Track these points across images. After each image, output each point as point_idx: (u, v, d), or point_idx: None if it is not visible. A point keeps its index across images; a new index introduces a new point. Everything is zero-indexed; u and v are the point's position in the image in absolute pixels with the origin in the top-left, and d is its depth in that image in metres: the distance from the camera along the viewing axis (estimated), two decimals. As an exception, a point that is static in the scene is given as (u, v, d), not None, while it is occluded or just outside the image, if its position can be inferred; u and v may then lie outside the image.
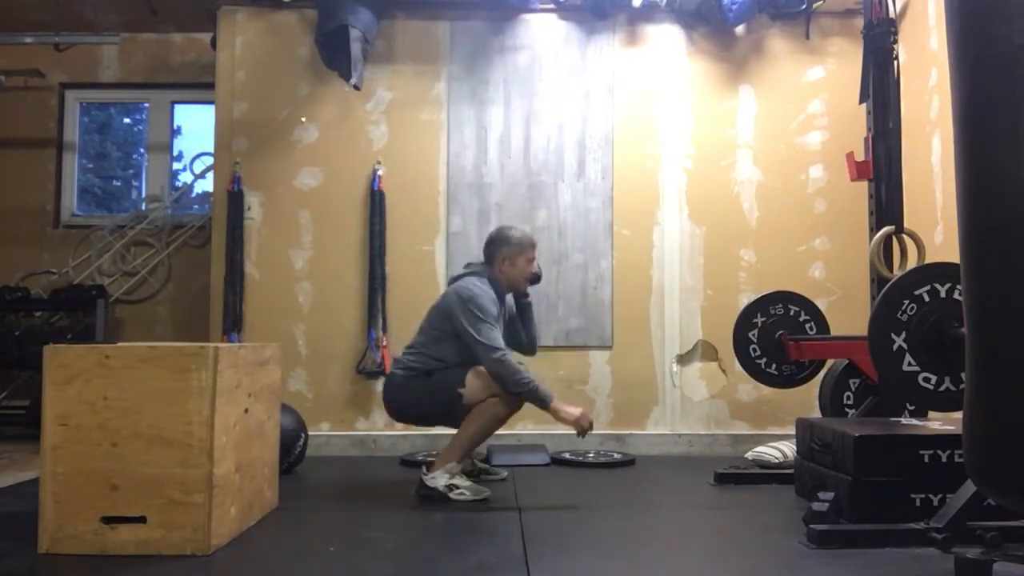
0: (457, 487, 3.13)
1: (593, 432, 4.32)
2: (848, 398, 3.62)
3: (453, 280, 3.46)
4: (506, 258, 3.43)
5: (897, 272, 3.36)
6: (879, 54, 3.57)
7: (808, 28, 4.58)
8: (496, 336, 3.21)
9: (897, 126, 3.56)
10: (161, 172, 5.62)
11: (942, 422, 3.04)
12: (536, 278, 3.52)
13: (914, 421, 3.12)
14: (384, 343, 4.32)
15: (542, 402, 3.14)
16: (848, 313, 4.25)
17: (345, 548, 2.48)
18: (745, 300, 4.12)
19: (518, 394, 3.15)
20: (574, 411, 3.17)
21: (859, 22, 4.00)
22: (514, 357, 3.21)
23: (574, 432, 3.17)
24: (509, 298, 3.50)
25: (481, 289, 3.30)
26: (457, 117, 4.52)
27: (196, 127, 5.77)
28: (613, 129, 4.54)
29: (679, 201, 4.53)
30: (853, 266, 4.32)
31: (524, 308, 3.57)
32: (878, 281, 3.47)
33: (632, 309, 4.47)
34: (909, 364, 2.71)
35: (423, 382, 3.25)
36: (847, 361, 3.61)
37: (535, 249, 3.50)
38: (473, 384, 3.17)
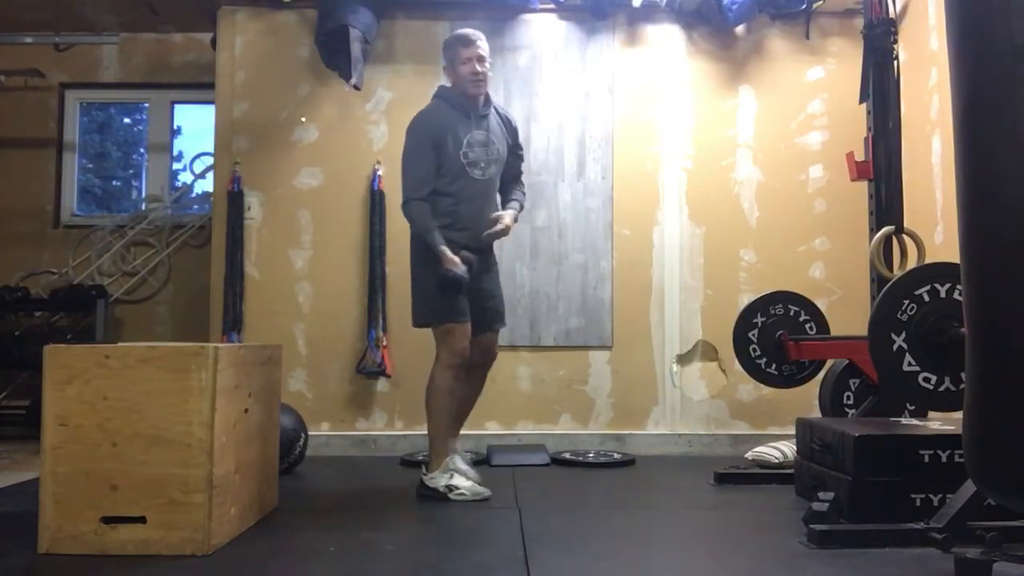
0: (456, 487, 3.13)
1: (593, 432, 4.39)
2: (848, 398, 3.62)
3: None
4: (447, 67, 3.32)
5: (897, 272, 3.36)
6: (879, 54, 3.57)
7: (808, 28, 4.58)
8: (418, 178, 3.18)
9: (897, 126, 3.55)
10: (161, 172, 5.62)
11: (942, 422, 3.04)
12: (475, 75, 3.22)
13: (914, 421, 3.12)
14: (384, 343, 4.32)
15: (432, 249, 3.15)
16: (848, 313, 4.25)
17: (345, 548, 2.48)
18: (745, 300, 4.12)
19: (420, 236, 3.19)
20: (449, 259, 3.11)
21: (859, 22, 4.00)
22: (427, 211, 3.16)
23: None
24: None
25: (419, 116, 3.28)
26: (457, 117, 4.52)
27: (196, 127, 5.77)
28: (613, 129, 4.54)
29: (679, 201, 4.53)
30: (853, 266, 4.32)
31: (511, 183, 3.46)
32: (878, 281, 3.46)
33: (632, 309, 4.47)
34: (909, 364, 2.71)
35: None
36: (847, 361, 3.61)
37: (474, 46, 3.23)
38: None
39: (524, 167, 3.54)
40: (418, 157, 3.22)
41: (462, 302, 3.21)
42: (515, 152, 3.44)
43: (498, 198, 3.40)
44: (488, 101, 3.34)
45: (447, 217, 3.22)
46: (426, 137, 3.22)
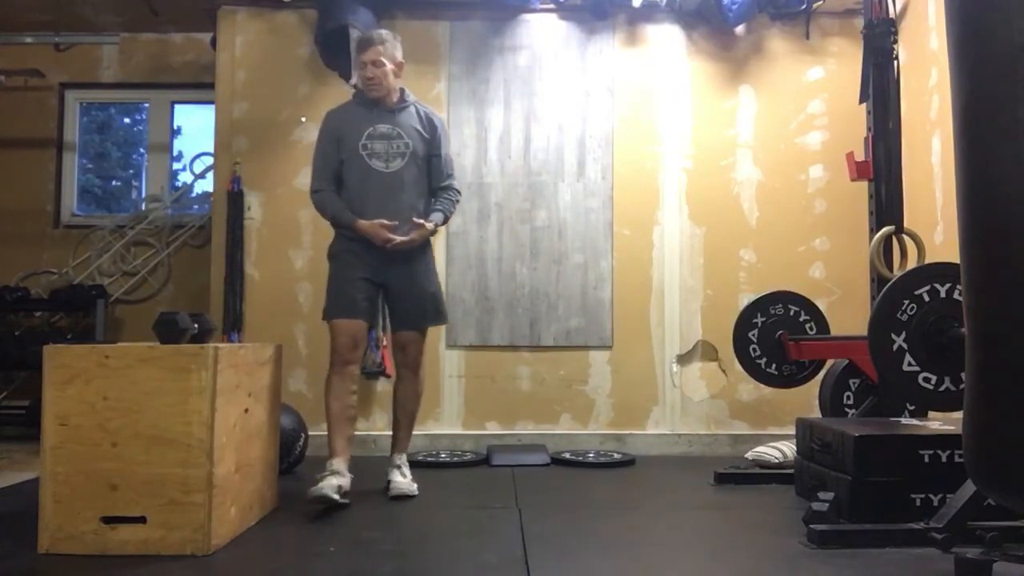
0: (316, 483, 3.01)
1: (593, 432, 4.40)
2: (848, 398, 3.62)
3: None
4: (354, 69, 3.44)
5: (897, 272, 3.36)
6: (879, 54, 3.57)
7: (808, 28, 4.58)
8: (317, 172, 3.29)
9: (897, 126, 3.56)
10: (161, 172, 5.62)
11: (942, 422, 3.04)
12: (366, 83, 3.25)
13: (914, 421, 3.12)
14: (384, 343, 4.31)
15: (349, 227, 3.21)
16: (848, 313, 4.25)
17: (345, 548, 2.48)
18: (745, 300, 4.12)
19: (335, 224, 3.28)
20: (367, 225, 3.16)
21: (859, 22, 4.00)
22: (332, 197, 3.24)
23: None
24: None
25: (326, 113, 3.37)
26: (457, 117, 4.52)
27: (196, 127, 5.77)
28: (613, 129, 4.54)
29: (679, 201, 4.54)
30: (853, 266, 4.32)
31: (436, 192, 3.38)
32: (878, 281, 3.47)
33: (632, 309, 4.47)
34: (909, 364, 2.71)
35: None
36: (847, 361, 3.61)
37: (368, 51, 3.24)
38: None
39: (452, 177, 3.41)
40: (317, 152, 3.32)
41: (347, 298, 3.20)
42: (435, 154, 3.34)
43: (416, 201, 3.29)
44: (403, 100, 3.32)
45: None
46: (326, 132, 3.31)
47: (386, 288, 3.29)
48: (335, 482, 2.95)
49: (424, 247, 3.33)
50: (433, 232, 3.31)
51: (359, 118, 3.28)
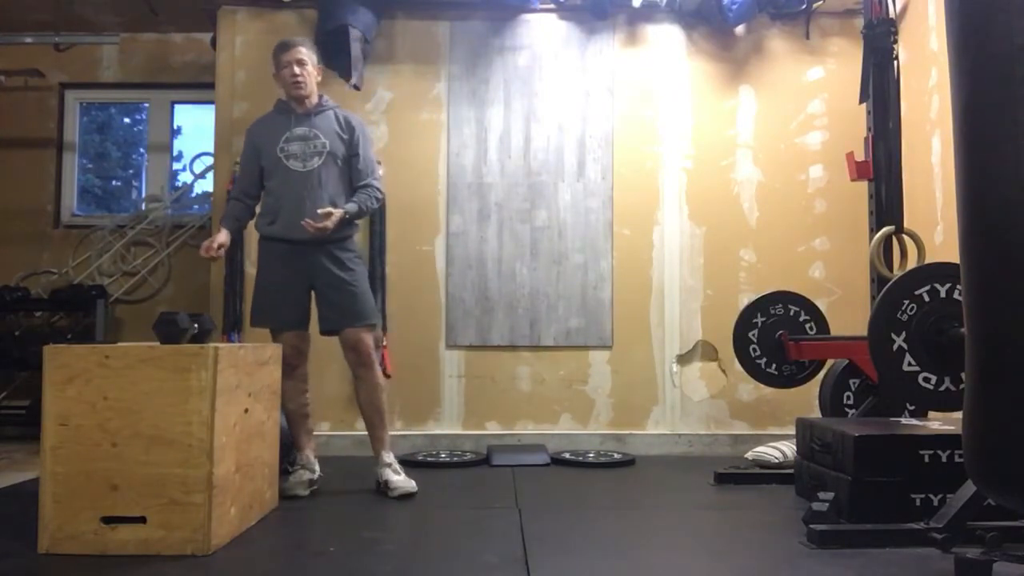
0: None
1: (593, 432, 4.39)
2: (848, 398, 3.62)
3: None
4: (274, 74, 3.42)
5: (897, 272, 3.36)
6: (879, 54, 3.57)
7: (808, 28, 4.58)
8: (238, 177, 3.54)
9: (897, 126, 3.56)
10: (161, 172, 5.62)
11: (942, 422, 3.04)
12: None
13: (914, 421, 3.12)
14: (384, 343, 4.31)
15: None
16: (848, 313, 4.25)
17: (345, 548, 2.48)
18: (745, 300, 4.12)
19: None
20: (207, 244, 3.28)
21: (859, 22, 4.00)
22: (228, 205, 3.46)
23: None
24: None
25: (247, 129, 3.50)
26: (457, 117, 4.53)
27: (196, 127, 5.77)
28: (613, 129, 4.54)
29: (679, 201, 4.54)
30: (853, 266, 4.32)
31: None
32: (878, 281, 3.47)
33: (632, 309, 4.47)
34: (909, 364, 2.71)
35: None
36: (847, 361, 3.61)
37: (291, 51, 3.33)
38: None
39: (373, 177, 3.40)
40: (241, 161, 3.52)
41: (267, 307, 3.35)
42: (354, 155, 3.38)
43: (336, 198, 3.31)
44: (321, 104, 3.40)
45: (270, 215, 3.35)
46: (246, 144, 3.47)
47: (315, 289, 3.34)
48: (304, 477, 3.29)
49: (344, 248, 3.32)
50: (341, 220, 3.22)
51: (277, 125, 3.37)
